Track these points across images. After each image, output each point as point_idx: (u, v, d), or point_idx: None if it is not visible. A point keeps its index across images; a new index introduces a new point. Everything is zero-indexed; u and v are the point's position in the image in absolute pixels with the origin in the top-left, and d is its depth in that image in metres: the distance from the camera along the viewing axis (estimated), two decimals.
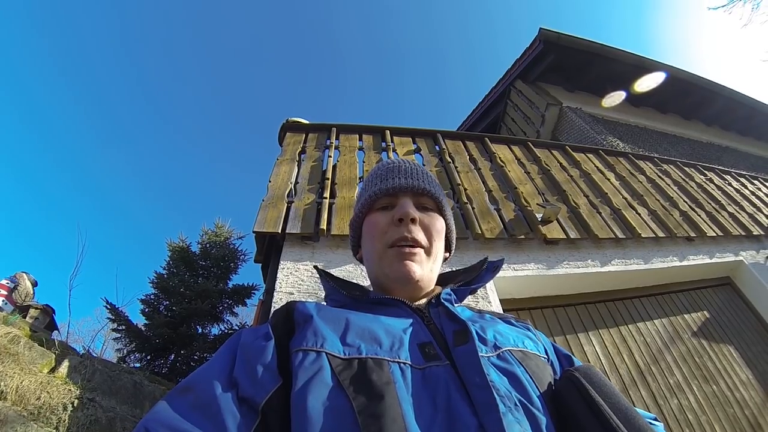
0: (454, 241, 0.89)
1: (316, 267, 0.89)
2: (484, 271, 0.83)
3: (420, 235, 0.74)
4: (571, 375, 0.59)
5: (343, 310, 0.65)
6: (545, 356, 0.68)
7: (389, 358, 0.54)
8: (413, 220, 0.74)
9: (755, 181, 4.94)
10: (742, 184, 4.68)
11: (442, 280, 0.84)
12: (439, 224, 0.79)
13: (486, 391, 0.50)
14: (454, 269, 0.90)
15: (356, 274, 2.12)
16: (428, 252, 0.75)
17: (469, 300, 2.10)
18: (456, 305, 0.71)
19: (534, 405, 0.53)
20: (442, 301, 0.69)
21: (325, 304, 0.72)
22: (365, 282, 0.85)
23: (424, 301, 0.73)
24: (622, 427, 0.50)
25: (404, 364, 0.54)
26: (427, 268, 0.74)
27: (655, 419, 0.68)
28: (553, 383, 0.61)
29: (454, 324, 0.63)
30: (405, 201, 0.77)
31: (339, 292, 0.74)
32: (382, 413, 0.46)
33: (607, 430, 0.51)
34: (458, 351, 0.58)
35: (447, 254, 0.86)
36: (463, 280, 0.82)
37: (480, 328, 0.64)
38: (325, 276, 0.79)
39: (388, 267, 0.72)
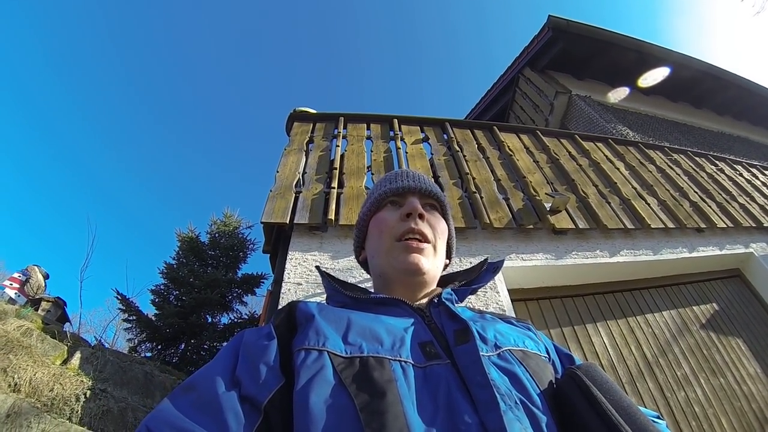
0: (454, 248, 0.92)
1: (317, 268, 0.90)
2: (484, 271, 0.85)
3: (427, 230, 0.77)
4: (573, 373, 0.60)
5: (345, 309, 0.66)
6: (546, 355, 0.68)
7: (390, 357, 0.54)
8: (421, 216, 0.77)
9: (767, 172, 4.87)
10: (754, 175, 4.62)
11: (443, 281, 0.85)
12: (442, 225, 0.83)
13: (487, 390, 0.51)
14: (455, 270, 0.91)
15: None
16: (434, 248, 0.78)
17: (477, 292, 2.10)
18: (456, 305, 0.72)
19: (534, 403, 0.53)
20: (443, 300, 0.70)
21: (326, 303, 0.73)
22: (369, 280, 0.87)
23: (425, 301, 0.74)
24: (623, 424, 0.51)
25: (405, 362, 0.54)
26: (432, 263, 0.76)
27: (658, 417, 0.68)
28: (554, 382, 0.62)
29: (455, 323, 0.64)
30: (413, 199, 0.80)
31: (340, 292, 0.74)
32: (384, 410, 0.46)
33: (609, 427, 0.51)
34: (459, 350, 0.58)
35: (447, 261, 0.89)
36: (464, 281, 0.83)
37: (481, 328, 0.64)
38: (326, 277, 0.80)
39: (395, 259, 0.74)
